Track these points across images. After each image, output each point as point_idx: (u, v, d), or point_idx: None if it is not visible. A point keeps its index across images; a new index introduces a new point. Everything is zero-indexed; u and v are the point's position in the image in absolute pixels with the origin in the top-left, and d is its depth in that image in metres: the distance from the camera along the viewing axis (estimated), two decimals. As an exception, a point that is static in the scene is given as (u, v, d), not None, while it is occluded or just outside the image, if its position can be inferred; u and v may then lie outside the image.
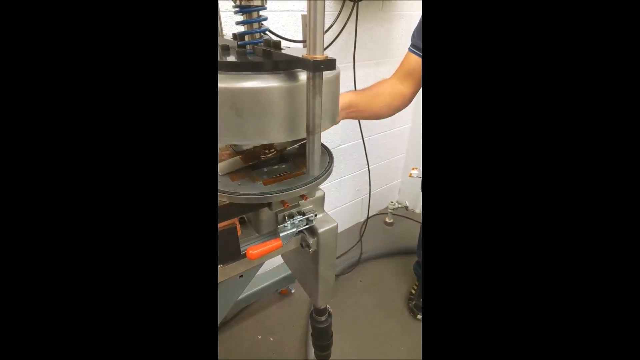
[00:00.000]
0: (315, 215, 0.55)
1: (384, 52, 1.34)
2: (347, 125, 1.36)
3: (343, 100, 0.61)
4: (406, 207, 1.77)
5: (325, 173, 0.49)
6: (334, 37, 1.11)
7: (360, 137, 1.35)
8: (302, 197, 0.51)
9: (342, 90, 1.28)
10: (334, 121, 0.48)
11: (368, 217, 1.62)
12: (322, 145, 0.60)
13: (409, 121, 1.66)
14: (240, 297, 1.12)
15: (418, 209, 1.79)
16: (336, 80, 0.44)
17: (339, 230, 1.76)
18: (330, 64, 0.33)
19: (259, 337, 1.13)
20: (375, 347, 1.12)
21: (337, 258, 1.44)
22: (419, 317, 1.22)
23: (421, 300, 1.25)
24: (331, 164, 0.53)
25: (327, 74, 0.42)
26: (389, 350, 1.11)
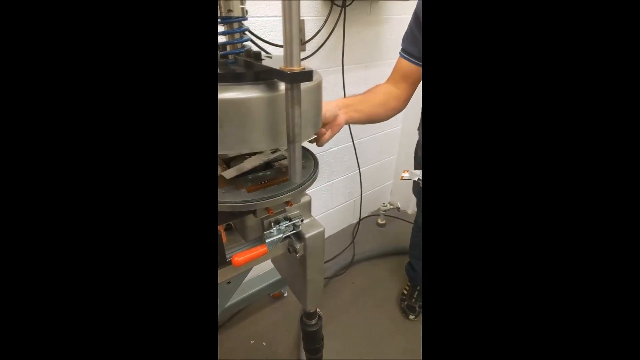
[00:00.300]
0: (302, 221, 0.56)
1: (373, 55, 1.35)
2: (337, 128, 1.37)
3: (337, 102, 0.62)
4: (398, 208, 1.79)
5: (310, 179, 0.50)
6: (323, 41, 1.12)
7: (351, 140, 1.37)
8: (287, 203, 0.52)
9: (331, 93, 1.28)
10: (317, 129, 0.49)
11: (360, 219, 1.63)
12: (308, 150, 0.61)
13: (399, 123, 1.68)
14: (233, 301, 1.12)
15: (410, 210, 1.81)
16: (317, 88, 0.45)
17: (331, 233, 1.76)
18: (306, 75, 0.34)
19: (252, 341, 1.14)
20: (368, 348, 1.13)
21: (330, 260, 1.45)
22: (411, 317, 1.23)
23: (413, 300, 1.26)
24: (316, 170, 0.53)
25: (308, 82, 0.43)
26: (382, 351, 1.12)
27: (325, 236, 1.78)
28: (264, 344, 1.13)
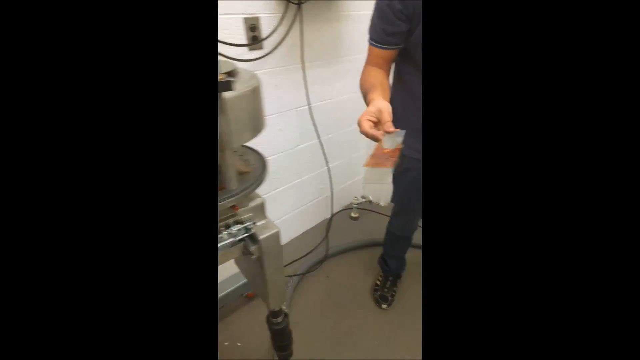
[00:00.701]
0: (254, 223, 0.56)
1: (334, 52, 1.35)
2: (303, 125, 1.37)
3: (382, 98, 0.68)
4: (370, 201, 1.82)
5: (255, 184, 0.51)
6: (280, 40, 1.11)
7: (317, 137, 1.37)
8: (233, 207, 0.52)
9: (293, 92, 1.27)
10: (258, 133, 0.49)
11: (333, 214, 1.65)
12: (257, 152, 0.61)
13: (367, 117, 1.70)
14: (205, 305, 1.12)
15: (382, 202, 1.85)
16: (253, 93, 0.45)
17: (305, 229, 1.74)
18: (225, 85, 0.34)
19: (226, 343, 1.14)
20: (342, 338, 1.15)
21: (304, 256, 1.46)
22: (384, 306, 1.27)
23: (385, 290, 1.30)
24: (264, 174, 0.54)
25: (244, 89, 0.43)
26: (357, 341, 1.15)
27: (299, 232, 1.78)
28: (239, 344, 1.13)
